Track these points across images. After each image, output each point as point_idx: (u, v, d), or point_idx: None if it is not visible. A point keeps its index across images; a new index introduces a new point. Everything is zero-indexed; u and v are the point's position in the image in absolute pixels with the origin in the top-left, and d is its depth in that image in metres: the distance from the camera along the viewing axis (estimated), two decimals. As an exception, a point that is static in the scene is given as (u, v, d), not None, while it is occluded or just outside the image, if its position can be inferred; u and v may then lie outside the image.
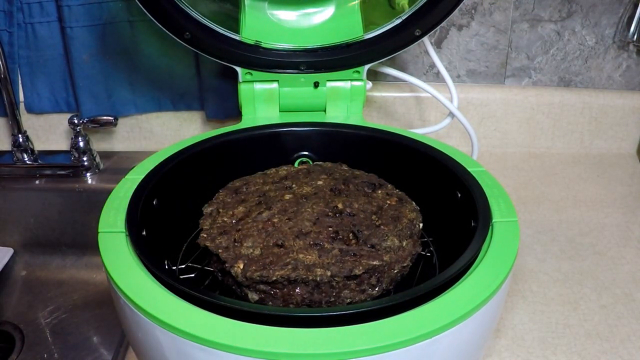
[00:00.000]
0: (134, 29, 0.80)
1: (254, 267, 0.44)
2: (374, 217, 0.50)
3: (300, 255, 0.45)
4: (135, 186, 0.51)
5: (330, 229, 0.47)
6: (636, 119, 0.89)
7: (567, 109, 0.88)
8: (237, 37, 0.66)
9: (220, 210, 0.51)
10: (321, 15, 0.67)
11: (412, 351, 0.37)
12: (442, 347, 0.39)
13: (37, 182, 0.81)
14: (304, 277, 0.44)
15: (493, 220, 0.48)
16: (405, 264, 0.47)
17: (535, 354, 0.56)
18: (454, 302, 0.40)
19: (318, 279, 0.44)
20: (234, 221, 0.50)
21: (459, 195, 0.53)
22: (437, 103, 0.86)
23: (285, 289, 0.45)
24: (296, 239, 0.46)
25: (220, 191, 0.55)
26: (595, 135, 0.90)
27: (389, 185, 0.55)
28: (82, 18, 0.78)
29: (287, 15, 0.67)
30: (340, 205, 0.50)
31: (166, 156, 0.56)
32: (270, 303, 0.45)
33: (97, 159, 0.82)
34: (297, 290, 0.44)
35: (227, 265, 0.46)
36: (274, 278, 0.44)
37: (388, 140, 0.61)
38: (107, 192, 0.51)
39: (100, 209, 0.48)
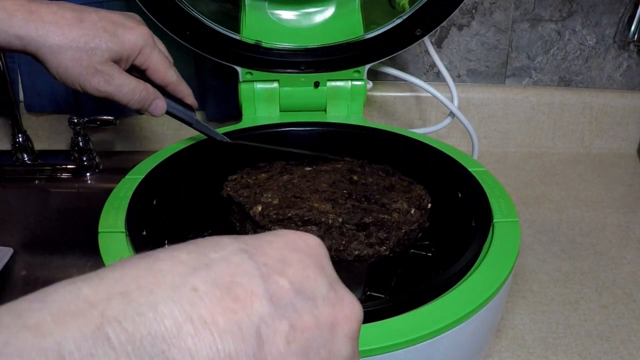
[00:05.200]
0: (134, 29, 0.80)
1: (271, 208, 0.48)
2: (385, 190, 0.52)
3: (315, 204, 0.48)
4: (135, 186, 0.51)
5: (344, 191, 0.51)
6: (636, 119, 0.89)
7: (568, 108, 0.88)
8: (237, 37, 0.66)
9: (244, 176, 0.56)
10: (322, 14, 0.67)
11: (413, 352, 0.37)
12: (442, 347, 0.39)
13: (37, 182, 0.81)
14: (317, 218, 0.47)
15: (494, 221, 0.48)
16: (412, 227, 0.50)
17: (535, 354, 0.56)
18: (454, 302, 0.40)
19: (330, 221, 0.47)
20: (256, 182, 0.54)
21: (460, 195, 0.53)
22: (437, 103, 0.85)
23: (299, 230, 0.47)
24: (313, 194, 0.50)
25: (246, 168, 0.58)
26: (596, 135, 0.90)
27: (402, 175, 0.57)
28: (82, 18, 0.77)
29: (287, 15, 0.67)
30: (355, 177, 0.54)
31: (166, 156, 0.56)
32: None
33: (97, 159, 0.82)
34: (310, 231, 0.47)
35: (246, 207, 0.49)
36: (290, 215, 0.47)
37: (388, 140, 0.61)
38: (107, 192, 0.51)
39: (100, 209, 0.48)
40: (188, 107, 0.56)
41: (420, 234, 0.51)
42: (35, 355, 0.16)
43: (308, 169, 0.56)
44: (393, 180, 0.55)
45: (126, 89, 0.49)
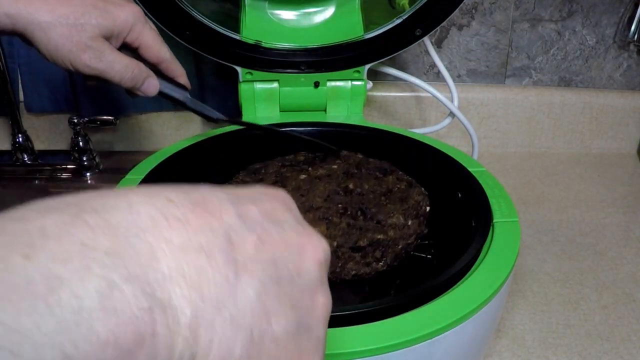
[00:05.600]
0: (134, 29, 0.80)
1: None
2: (382, 198, 0.51)
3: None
4: (135, 186, 0.51)
5: (339, 205, 0.49)
6: (636, 119, 0.89)
7: (568, 108, 0.88)
8: (237, 37, 0.66)
9: (238, 184, 0.54)
10: (322, 14, 0.67)
11: (413, 352, 0.37)
12: (442, 347, 0.39)
13: (37, 182, 0.81)
14: None
15: (494, 221, 0.48)
16: (409, 241, 0.49)
17: (535, 354, 0.56)
18: (454, 302, 0.40)
19: None
20: None
21: (460, 195, 0.53)
22: (437, 103, 0.85)
23: None
24: (307, 213, 0.48)
25: (240, 172, 0.56)
26: (596, 135, 0.90)
27: (400, 172, 0.56)
28: (82, 18, 0.77)
29: (287, 15, 0.67)
30: (351, 186, 0.52)
31: (166, 156, 0.56)
32: None
33: (97, 159, 0.82)
34: None
35: None
36: None
37: (388, 140, 0.61)
38: (107, 192, 0.51)
39: (100, 209, 0.48)
40: (181, 87, 0.54)
41: (418, 241, 0.51)
42: (20, 233, 0.18)
43: (303, 176, 0.54)
44: (390, 181, 0.54)
45: (118, 65, 0.48)
